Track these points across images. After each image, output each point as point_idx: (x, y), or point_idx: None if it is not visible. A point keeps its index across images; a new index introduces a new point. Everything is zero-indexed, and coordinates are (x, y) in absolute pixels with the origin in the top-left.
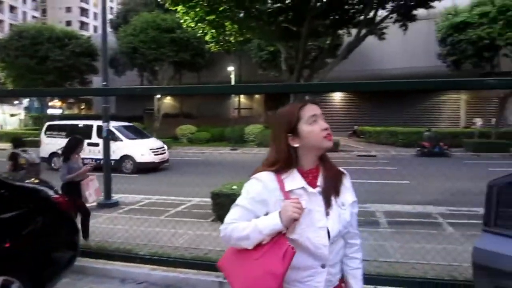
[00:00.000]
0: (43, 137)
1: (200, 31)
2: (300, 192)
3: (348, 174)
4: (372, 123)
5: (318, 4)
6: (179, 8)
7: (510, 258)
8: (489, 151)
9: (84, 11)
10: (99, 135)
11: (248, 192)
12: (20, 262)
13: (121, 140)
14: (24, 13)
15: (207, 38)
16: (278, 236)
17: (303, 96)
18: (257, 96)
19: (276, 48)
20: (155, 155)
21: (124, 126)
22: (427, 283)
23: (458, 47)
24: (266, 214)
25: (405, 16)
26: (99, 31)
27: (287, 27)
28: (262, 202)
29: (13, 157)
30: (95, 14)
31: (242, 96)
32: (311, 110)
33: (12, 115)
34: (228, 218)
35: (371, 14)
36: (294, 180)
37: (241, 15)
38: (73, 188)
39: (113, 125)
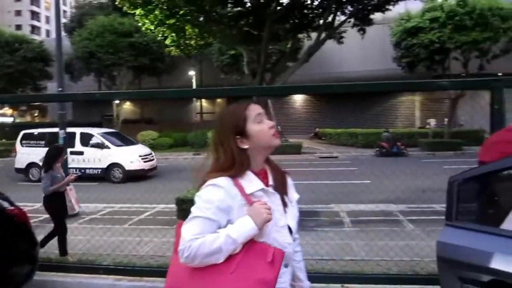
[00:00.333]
0: (18, 147)
1: (160, 35)
2: (260, 194)
3: (290, 173)
4: (333, 125)
5: (278, 8)
6: (138, 11)
7: (470, 249)
8: (443, 149)
9: (35, 15)
10: (84, 143)
11: (209, 201)
12: None
13: (109, 148)
14: None
15: (167, 42)
16: (249, 243)
17: (266, 99)
18: (219, 100)
19: (237, 52)
20: (144, 162)
21: (108, 133)
22: (390, 279)
23: (412, 50)
24: (228, 222)
25: (362, 21)
26: (52, 35)
27: (248, 31)
28: (226, 209)
29: None
30: (47, 18)
31: (204, 100)
32: (256, 109)
33: None
34: (188, 234)
35: (330, 18)
36: (252, 182)
37: (202, 19)
38: (57, 199)
39: (97, 132)
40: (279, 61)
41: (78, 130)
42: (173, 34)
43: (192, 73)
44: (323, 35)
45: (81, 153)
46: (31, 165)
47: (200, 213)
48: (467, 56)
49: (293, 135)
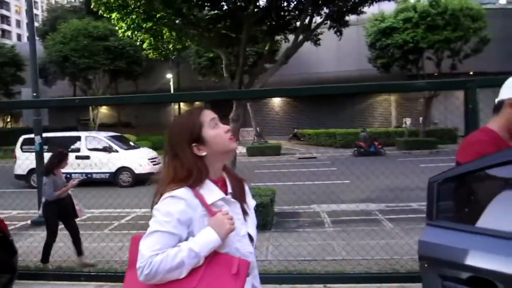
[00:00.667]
0: (18, 153)
1: (138, 39)
2: (221, 203)
3: (246, 180)
4: (311, 125)
5: (256, 10)
6: (114, 14)
7: (450, 248)
8: (419, 148)
9: (5, 19)
10: (90, 147)
11: (169, 214)
12: None
13: (117, 151)
14: None
15: (144, 45)
16: (212, 254)
17: (245, 102)
18: (197, 102)
19: (215, 54)
20: (154, 165)
21: (114, 136)
22: (371, 278)
23: (386, 51)
24: (189, 234)
25: (338, 22)
26: (24, 39)
27: (226, 34)
28: (187, 222)
29: None
30: (18, 22)
31: (182, 103)
32: (209, 114)
33: None
34: (147, 250)
35: (307, 21)
36: (212, 192)
37: (179, 22)
38: (57, 204)
39: (104, 135)
40: (257, 63)
41: (83, 134)
42: (151, 38)
43: (169, 76)
44: (301, 37)
45: (87, 157)
46: (33, 170)
47: (159, 227)
48: (440, 56)
49: (272, 136)
